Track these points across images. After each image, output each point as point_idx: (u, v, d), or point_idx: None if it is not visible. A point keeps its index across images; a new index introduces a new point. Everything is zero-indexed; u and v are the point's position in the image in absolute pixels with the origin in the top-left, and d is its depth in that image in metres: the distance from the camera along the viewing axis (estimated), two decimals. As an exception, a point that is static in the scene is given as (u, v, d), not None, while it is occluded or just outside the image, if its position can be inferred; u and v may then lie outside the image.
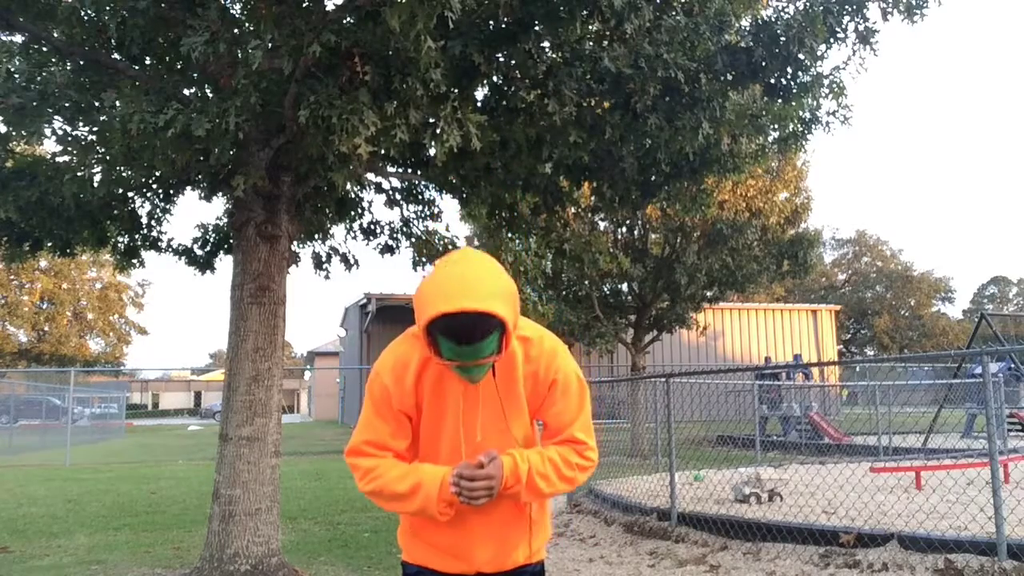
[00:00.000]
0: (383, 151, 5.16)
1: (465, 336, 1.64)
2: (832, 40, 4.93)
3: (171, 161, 4.36)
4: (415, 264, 6.91)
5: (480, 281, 1.66)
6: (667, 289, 15.24)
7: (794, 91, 5.27)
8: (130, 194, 5.86)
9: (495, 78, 5.08)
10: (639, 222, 15.22)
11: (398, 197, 6.73)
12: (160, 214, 6.20)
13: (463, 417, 1.83)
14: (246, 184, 4.64)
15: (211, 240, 6.45)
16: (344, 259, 6.79)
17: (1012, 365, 14.34)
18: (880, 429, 13.22)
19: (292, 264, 5.52)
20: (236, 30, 4.31)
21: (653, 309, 15.96)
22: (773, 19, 4.94)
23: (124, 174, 5.30)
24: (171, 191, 6.07)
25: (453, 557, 1.89)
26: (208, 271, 6.48)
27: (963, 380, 14.21)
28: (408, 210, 6.83)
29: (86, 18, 4.44)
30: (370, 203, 6.72)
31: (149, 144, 4.06)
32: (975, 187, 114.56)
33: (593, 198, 6.44)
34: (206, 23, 3.92)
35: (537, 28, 4.62)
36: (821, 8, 4.80)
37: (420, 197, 6.79)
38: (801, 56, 4.86)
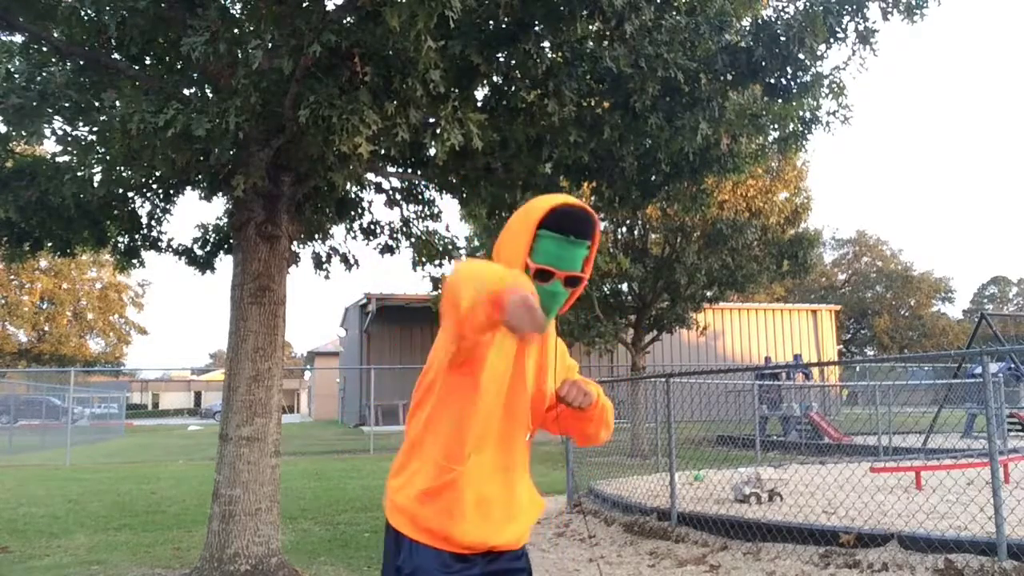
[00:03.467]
0: (383, 151, 5.17)
1: (579, 226, 1.70)
2: (832, 40, 4.93)
3: (171, 161, 4.37)
4: (415, 264, 6.91)
5: None
6: (667, 289, 15.24)
7: (794, 91, 5.27)
8: (130, 194, 5.86)
9: (495, 78, 5.08)
10: (639, 222, 15.22)
11: (398, 197, 6.73)
12: (160, 214, 6.20)
13: (524, 369, 1.81)
14: (246, 184, 4.64)
15: (211, 240, 6.45)
16: (344, 259, 6.79)
17: (1012, 365, 14.33)
18: (880, 429, 13.22)
19: (292, 264, 5.52)
20: (236, 30, 4.32)
21: (653, 309, 15.95)
22: (773, 19, 4.94)
23: (124, 174, 5.30)
24: (171, 191, 6.07)
25: (485, 518, 1.77)
26: (208, 271, 6.48)
27: (963, 380, 14.21)
28: (408, 210, 6.83)
29: (86, 18, 4.44)
30: (370, 203, 6.72)
31: (149, 144, 4.06)
32: (975, 187, 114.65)
33: (593, 198, 6.44)
34: (206, 23, 3.92)
35: (537, 28, 4.62)
36: (821, 8, 4.80)
37: (420, 197, 6.79)
38: (801, 56, 4.86)
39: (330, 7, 4.21)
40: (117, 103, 3.96)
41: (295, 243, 5.71)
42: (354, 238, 6.78)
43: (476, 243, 14.88)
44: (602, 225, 15.13)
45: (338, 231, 7.43)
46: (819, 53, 4.97)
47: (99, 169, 5.01)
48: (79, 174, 4.84)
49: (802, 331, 30.76)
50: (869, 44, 4.93)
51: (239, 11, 4.68)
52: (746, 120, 5.50)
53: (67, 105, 4.49)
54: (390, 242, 6.82)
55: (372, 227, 6.77)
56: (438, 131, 4.23)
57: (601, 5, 4.22)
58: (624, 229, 15.47)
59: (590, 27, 4.77)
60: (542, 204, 1.73)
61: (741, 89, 5.33)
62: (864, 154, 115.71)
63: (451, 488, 1.76)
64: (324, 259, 6.73)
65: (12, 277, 38.87)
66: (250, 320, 5.13)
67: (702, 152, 5.43)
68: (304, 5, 4.16)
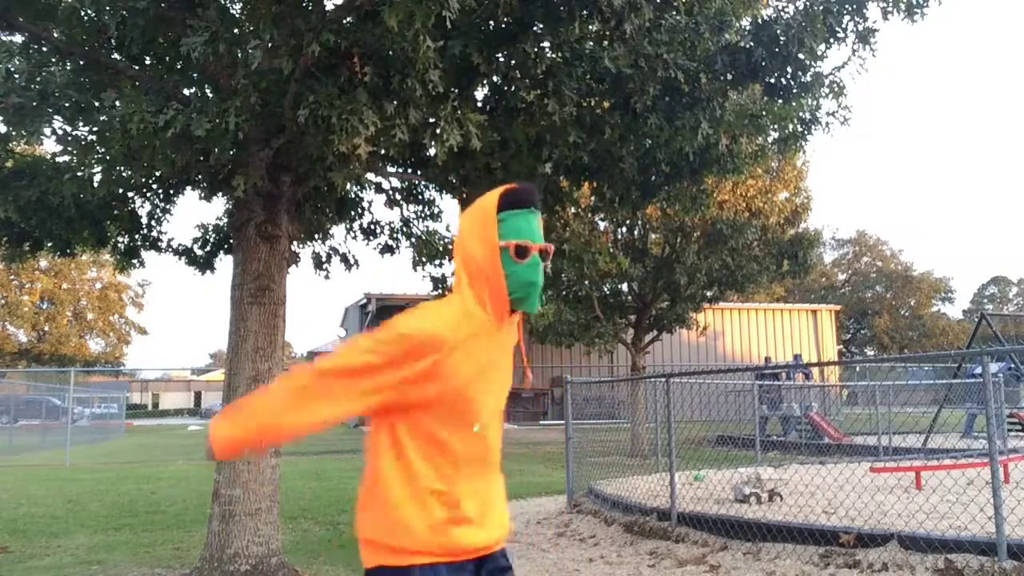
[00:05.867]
0: (383, 151, 5.17)
1: (531, 196, 1.79)
2: (832, 40, 4.93)
3: (171, 161, 4.36)
4: (415, 264, 6.91)
5: None
6: (667, 289, 15.25)
7: (794, 91, 5.27)
8: (130, 194, 5.86)
9: (495, 78, 5.08)
10: (639, 222, 15.22)
11: (398, 197, 6.73)
12: (160, 214, 6.21)
13: (499, 376, 1.82)
14: (246, 184, 4.64)
15: (211, 240, 6.45)
16: (344, 259, 6.79)
17: (1012, 365, 14.33)
18: (880, 429, 13.21)
19: (292, 264, 5.52)
20: (236, 30, 4.32)
21: (653, 309, 15.96)
22: (773, 19, 4.94)
23: (124, 174, 5.30)
24: (171, 191, 6.07)
25: (478, 524, 1.75)
26: (208, 271, 6.48)
27: (963, 380, 14.21)
28: (408, 210, 6.83)
29: (86, 18, 4.44)
30: (370, 203, 6.73)
31: (149, 144, 4.06)
32: (975, 187, 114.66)
33: (593, 198, 6.44)
34: (206, 23, 3.92)
35: (537, 28, 4.62)
36: (821, 8, 4.80)
37: (420, 197, 6.79)
38: (801, 56, 4.86)
39: (329, 7, 4.21)
40: (117, 103, 3.96)
41: (295, 243, 5.71)
42: (354, 238, 6.78)
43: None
44: (602, 225, 15.28)
45: (338, 231, 7.45)
46: (819, 53, 4.97)
47: (99, 169, 5.01)
48: (79, 174, 4.84)
49: (802, 331, 30.77)
50: (869, 44, 4.93)
51: (239, 11, 4.68)
52: (746, 120, 5.50)
53: (67, 105, 4.49)
54: (390, 242, 6.83)
55: (372, 227, 6.78)
56: (437, 131, 4.23)
57: (600, 5, 4.22)
58: (624, 229, 15.48)
59: (590, 27, 4.78)
60: (492, 194, 1.81)
61: (741, 89, 5.34)
62: (864, 154, 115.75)
63: (450, 498, 1.74)
64: (324, 259, 6.73)
65: (12, 277, 38.89)
66: (250, 320, 5.13)
67: (702, 152, 5.43)
68: (303, 5, 4.16)
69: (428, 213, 6.86)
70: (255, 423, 1.69)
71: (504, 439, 1.90)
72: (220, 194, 5.75)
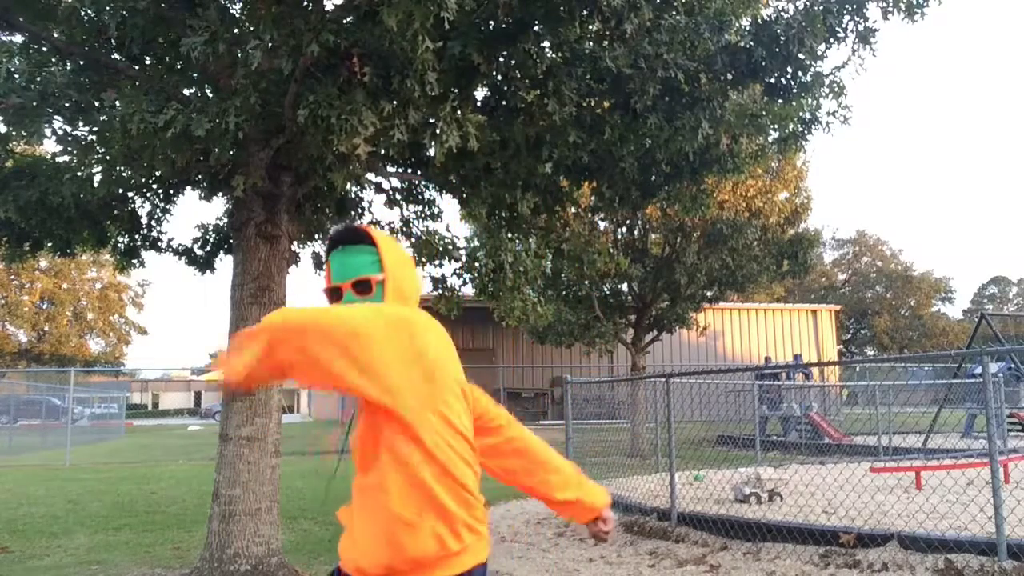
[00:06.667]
0: (382, 151, 5.17)
1: (345, 236, 1.81)
2: (832, 40, 4.93)
3: (171, 161, 4.37)
4: (415, 264, 6.90)
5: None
6: (667, 289, 15.24)
7: (794, 91, 5.27)
8: (130, 194, 5.87)
9: (495, 78, 5.08)
10: (639, 222, 15.23)
11: (398, 197, 6.73)
12: (160, 214, 6.21)
13: None
14: (246, 184, 4.64)
15: (211, 240, 6.45)
16: (344, 259, 6.77)
17: (1012, 365, 14.33)
18: (880, 429, 13.21)
19: (292, 264, 5.52)
20: (236, 30, 4.32)
21: (653, 309, 15.96)
22: (773, 19, 4.94)
23: (124, 174, 5.30)
24: (171, 191, 6.07)
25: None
26: (208, 271, 6.48)
27: (963, 380, 14.21)
28: (408, 210, 6.83)
29: (86, 18, 4.44)
30: (370, 203, 6.73)
31: (149, 144, 4.06)
32: (975, 187, 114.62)
33: (593, 198, 6.44)
34: (206, 23, 3.93)
35: (537, 28, 4.62)
36: (821, 8, 4.80)
37: (420, 197, 6.79)
38: (801, 56, 4.86)
39: (329, 7, 4.21)
40: (117, 103, 3.96)
41: (295, 243, 5.71)
42: (354, 238, 6.77)
43: (476, 243, 14.88)
44: (601, 225, 15.28)
45: (338, 231, 7.43)
46: (819, 53, 4.97)
47: (99, 169, 5.01)
48: (79, 174, 4.84)
49: (802, 331, 30.76)
50: (869, 44, 4.93)
51: (239, 11, 4.68)
52: (746, 120, 5.50)
53: (67, 105, 4.50)
54: (390, 242, 6.82)
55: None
56: (437, 132, 4.23)
57: (600, 5, 4.22)
58: (624, 229, 15.48)
59: (590, 27, 4.78)
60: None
61: (741, 89, 5.33)
62: (864, 154, 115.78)
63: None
64: (324, 259, 6.73)
65: (12, 277, 38.88)
66: (250, 320, 5.12)
67: (702, 152, 5.43)
68: (303, 5, 4.16)
69: (428, 213, 6.86)
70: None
71: None
72: (220, 194, 5.75)
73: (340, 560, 1.70)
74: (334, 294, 1.80)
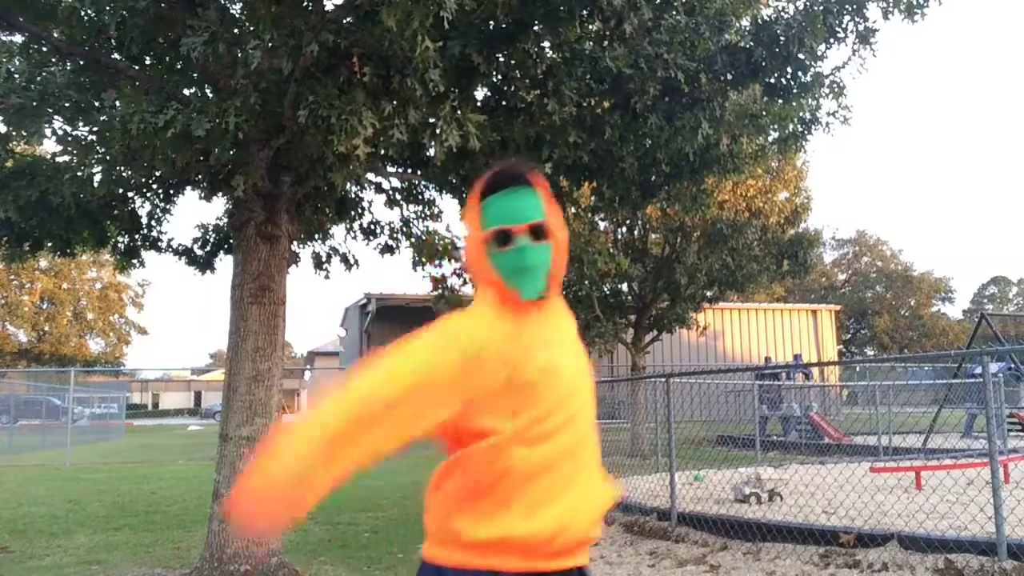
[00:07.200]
0: (382, 151, 5.17)
1: (513, 176, 1.62)
2: (832, 40, 4.93)
3: (171, 161, 4.37)
4: (415, 264, 6.91)
5: None
6: (667, 289, 15.24)
7: (794, 91, 5.28)
8: (130, 194, 5.86)
9: (495, 78, 5.08)
10: (639, 222, 15.23)
11: (398, 197, 6.73)
12: (160, 214, 6.20)
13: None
14: (246, 184, 4.64)
15: (211, 240, 6.45)
16: (344, 259, 6.79)
17: (1012, 365, 14.34)
18: (880, 429, 13.22)
19: (292, 264, 5.52)
20: (235, 30, 4.32)
21: (653, 309, 15.96)
22: (773, 19, 4.94)
23: (124, 174, 5.30)
24: (171, 191, 6.07)
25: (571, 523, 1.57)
26: (208, 271, 6.48)
27: (963, 380, 14.21)
28: (408, 210, 6.83)
29: (86, 18, 4.44)
30: (370, 203, 6.73)
31: (149, 144, 4.06)
32: (975, 187, 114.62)
33: (593, 198, 6.44)
34: (206, 23, 3.93)
35: (537, 28, 4.62)
36: (821, 8, 4.80)
37: (420, 197, 6.79)
38: (801, 56, 4.86)
39: (329, 7, 4.21)
40: (117, 103, 3.96)
41: (295, 243, 5.71)
42: (354, 238, 6.78)
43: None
44: (601, 225, 15.29)
45: (338, 231, 7.45)
46: (819, 53, 4.98)
47: (99, 169, 5.01)
48: (79, 174, 4.84)
49: (802, 331, 30.75)
50: (869, 44, 4.94)
51: (238, 11, 4.68)
52: (746, 120, 5.50)
53: (67, 105, 4.49)
54: (390, 242, 6.83)
55: (372, 227, 6.78)
56: (437, 131, 4.23)
57: (600, 5, 4.22)
58: (624, 229, 15.48)
59: (590, 27, 4.78)
60: (479, 182, 1.68)
61: (741, 89, 5.33)
62: (864, 154, 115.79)
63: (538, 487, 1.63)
64: (324, 259, 6.73)
65: (12, 277, 38.89)
66: (250, 320, 5.13)
67: (702, 152, 5.43)
68: (303, 5, 4.16)
69: (428, 213, 6.86)
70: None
71: None
72: (220, 194, 5.75)
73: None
74: (501, 238, 1.58)
